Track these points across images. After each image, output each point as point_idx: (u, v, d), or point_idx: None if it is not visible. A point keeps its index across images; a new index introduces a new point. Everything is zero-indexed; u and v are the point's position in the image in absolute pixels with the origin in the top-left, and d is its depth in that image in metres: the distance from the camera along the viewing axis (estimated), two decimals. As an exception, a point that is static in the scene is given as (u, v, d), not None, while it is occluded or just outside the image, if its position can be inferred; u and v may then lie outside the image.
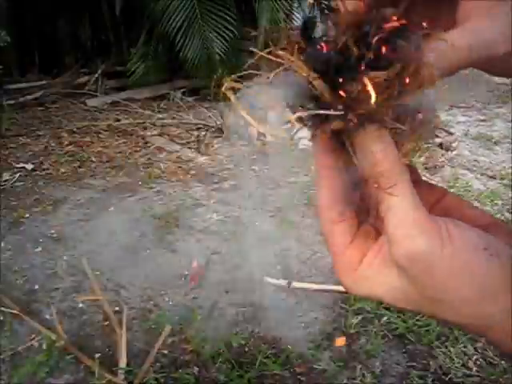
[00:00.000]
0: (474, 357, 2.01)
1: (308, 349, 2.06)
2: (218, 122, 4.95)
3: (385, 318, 2.20)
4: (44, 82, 6.31)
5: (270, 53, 0.30)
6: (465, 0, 0.32)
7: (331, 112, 0.29)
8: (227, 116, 4.68)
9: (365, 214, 0.35)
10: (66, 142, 4.73)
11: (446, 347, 2.05)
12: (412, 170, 0.34)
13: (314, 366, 1.98)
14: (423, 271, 0.31)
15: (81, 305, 2.34)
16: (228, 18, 5.71)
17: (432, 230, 0.30)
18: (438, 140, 4.41)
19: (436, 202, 0.38)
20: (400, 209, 0.30)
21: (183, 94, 6.24)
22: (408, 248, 0.30)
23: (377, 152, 0.30)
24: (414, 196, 0.31)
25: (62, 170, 4.07)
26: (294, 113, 0.30)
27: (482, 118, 5.55)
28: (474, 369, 1.95)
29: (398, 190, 0.30)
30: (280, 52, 0.30)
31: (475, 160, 4.18)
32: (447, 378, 1.92)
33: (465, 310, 0.32)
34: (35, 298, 2.39)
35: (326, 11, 0.31)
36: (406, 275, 0.31)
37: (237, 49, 5.77)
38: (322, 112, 0.29)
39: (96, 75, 6.46)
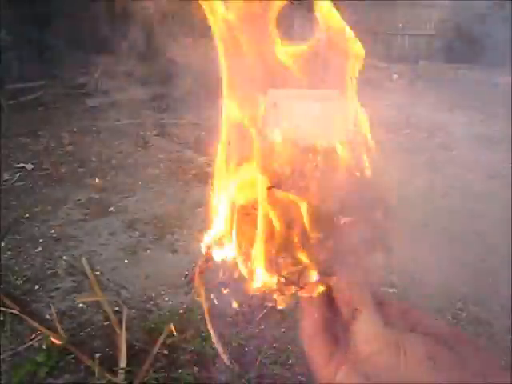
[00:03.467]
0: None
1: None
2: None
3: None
4: (44, 82, 6.31)
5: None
6: None
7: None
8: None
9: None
10: (66, 142, 4.73)
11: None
12: (377, 295, 0.45)
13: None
14: (384, 376, 0.39)
15: (81, 305, 2.34)
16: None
17: (391, 344, 0.40)
18: (438, 140, 4.41)
19: (401, 315, 0.47)
20: (366, 329, 0.41)
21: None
22: (374, 361, 0.39)
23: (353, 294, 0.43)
24: (377, 317, 0.41)
25: (62, 170, 4.07)
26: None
27: (482, 118, 5.55)
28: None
29: (364, 316, 0.41)
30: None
31: (475, 160, 4.18)
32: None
33: None
34: (35, 298, 2.39)
35: None
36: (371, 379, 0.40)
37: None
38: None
39: (96, 75, 6.45)
